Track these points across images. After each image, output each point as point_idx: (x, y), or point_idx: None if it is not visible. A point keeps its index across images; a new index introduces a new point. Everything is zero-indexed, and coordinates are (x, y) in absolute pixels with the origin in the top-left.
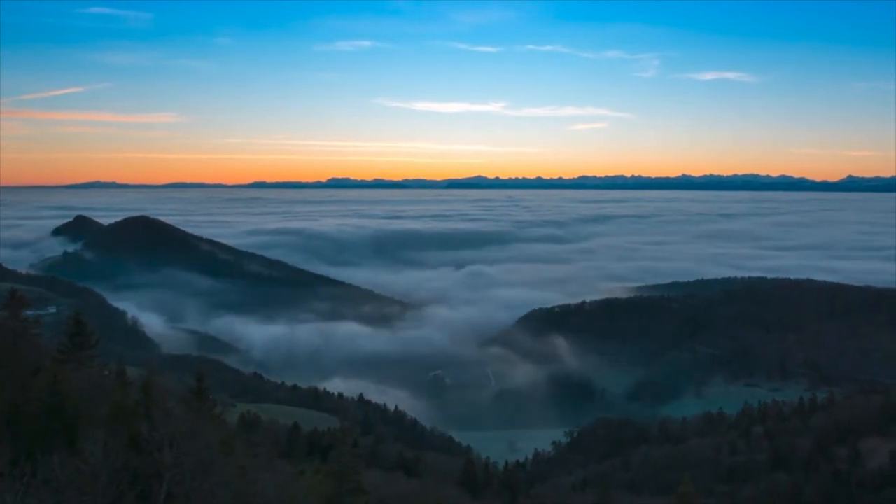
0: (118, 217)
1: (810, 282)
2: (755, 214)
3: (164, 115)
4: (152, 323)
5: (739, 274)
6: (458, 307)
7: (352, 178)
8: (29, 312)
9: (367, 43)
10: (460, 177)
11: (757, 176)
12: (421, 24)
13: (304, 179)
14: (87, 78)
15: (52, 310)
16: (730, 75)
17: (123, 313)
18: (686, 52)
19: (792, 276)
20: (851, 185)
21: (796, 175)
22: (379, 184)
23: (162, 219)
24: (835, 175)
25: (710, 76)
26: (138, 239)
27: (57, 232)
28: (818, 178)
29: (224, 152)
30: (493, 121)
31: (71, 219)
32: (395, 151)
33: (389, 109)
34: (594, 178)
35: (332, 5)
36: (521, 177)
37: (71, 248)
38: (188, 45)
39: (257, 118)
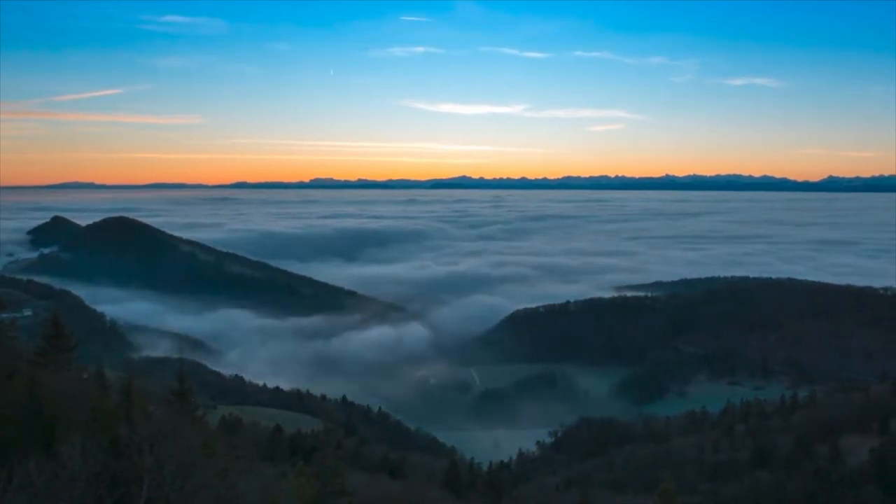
0: (96, 218)
1: (792, 281)
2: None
3: (184, 117)
4: (131, 325)
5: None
6: (444, 307)
7: (335, 178)
8: (4, 315)
9: (420, 48)
10: (445, 177)
11: (740, 176)
12: (478, 30)
13: (286, 180)
14: (126, 80)
15: (29, 312)
16: (760, 81)
17: (102, 315)
18: (717, 58)
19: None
20: (832, 185)
21: (778, 175)
22: (363, 184)
23: (141, 219)
24: (816, 175)
25: (739, 81)
26: (117, 240)
27: (33, 233)
28: (800, 178)
29: (231, 153)
30: (509, 122)
31: (48, 219)
32: (396, 152)
33: (412, 111)
34: (578, 178)
35: (396, 11)
36: (505, 177)
37: (47, 250)
38: (244, 50)
39: (273, 121)
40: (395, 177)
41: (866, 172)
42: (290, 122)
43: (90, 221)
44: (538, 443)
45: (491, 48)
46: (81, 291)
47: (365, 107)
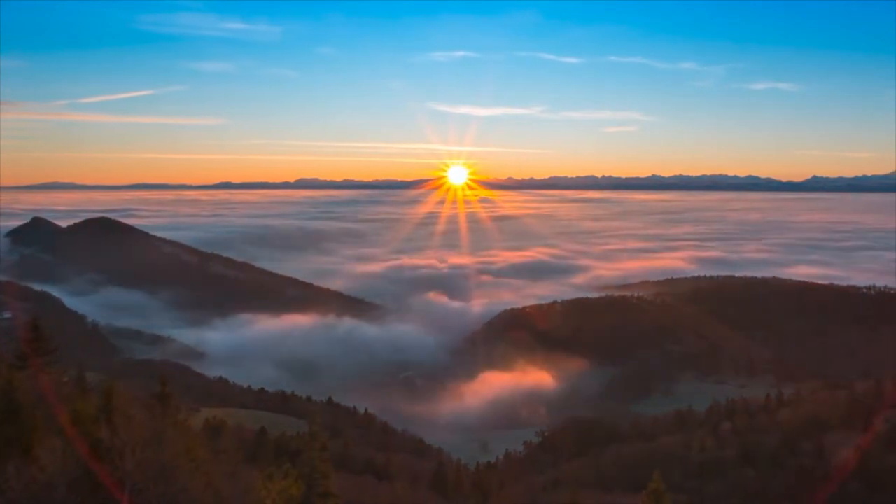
0: (77, 219)
1: (777, 280)
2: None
3: (207, 118)
4: (113, 327)
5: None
6: (431, 307)
7: (320, 178)
8: None
9: (460, 53)
10: (431, 176)
11: (725, 176)
12: (521, 35)
13: (272, 180)
14: (162, 83)
15: (7, 315)
16: (782, 86)
17: (83, 317)
18: (742, 63)
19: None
20: (815, 185)
21: (763, 175)
22: (348, 184)
23: (122, 220)
24: (800, 175)
25: (760, 86)
26: (98, 241)
27: (12, 234)
28: (784, 179)
29: (239, 153)
30: (522, 123)
31: (27, 220)
32: (397, 153)
33: (432, 113)
34: (565, 178)
35: (450, 11)
36: (492, 178)
37: (27, 251)
38: (286, 55)
39: (280, 123)
40: (383, 177)
41: (850, 172)
42: (295, 125)
43: (71, 222)
44: (525, 443)
45: (529, 53)
46: (62, 293)
47: (387, 109)
